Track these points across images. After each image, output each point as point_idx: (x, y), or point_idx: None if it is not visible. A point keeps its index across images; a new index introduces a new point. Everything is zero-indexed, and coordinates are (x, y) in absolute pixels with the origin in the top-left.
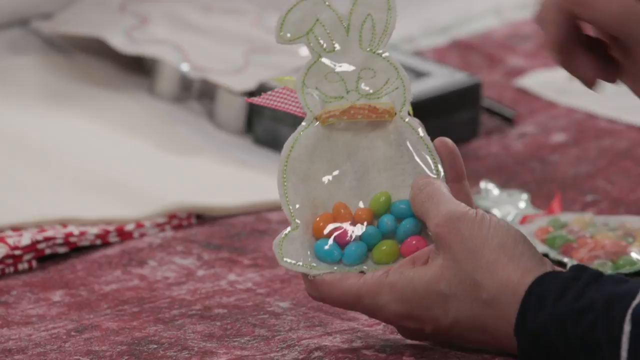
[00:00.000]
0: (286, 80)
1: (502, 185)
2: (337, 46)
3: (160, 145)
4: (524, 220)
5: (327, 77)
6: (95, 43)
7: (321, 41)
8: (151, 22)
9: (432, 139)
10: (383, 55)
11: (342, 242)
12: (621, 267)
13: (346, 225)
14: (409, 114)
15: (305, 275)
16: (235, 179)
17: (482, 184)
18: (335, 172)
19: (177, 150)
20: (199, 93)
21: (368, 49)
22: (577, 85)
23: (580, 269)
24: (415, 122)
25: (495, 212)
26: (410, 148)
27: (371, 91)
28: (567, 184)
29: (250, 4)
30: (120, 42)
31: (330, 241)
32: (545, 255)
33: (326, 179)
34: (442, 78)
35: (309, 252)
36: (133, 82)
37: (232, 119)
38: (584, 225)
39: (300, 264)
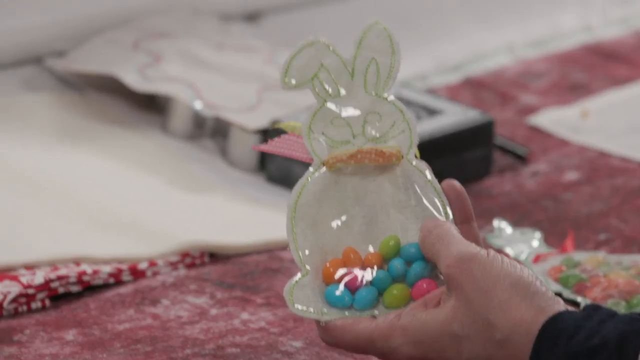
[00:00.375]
0: (292, 126)
1: (515, 223)
2: (343, 91)
3: (174, 183)
4: (537, 259)
5: (333, 122)
6: (108, 81)
7: (326, 86)
8: (164, 59)
9: (446, 177)
10: (388, 98)
11: (352, 287)
12: (635, 306)
13: (356, 270)
14: (415, 156)
15: (317, 321)
16: (248, 217)
17: (495, 223)
18: (344, 217)
19: (190, 188)
20: (212, 131)
21: (373, 93)
22: (589, 123)
23: (593, 308)
24: (423, 164)
25: (509, 250)
26: (418, 191)
27: (378, 135)
28: (580, 222)
29: (262, 41)
30: (134, 80)
31: (341, 286)
32: (559, 294)
33: (335, 224)
34: (454, 116)
35: (320, 298)
36: (146, 120)
37: (245, 157)
38: (597, 264)
39: (312, 310)
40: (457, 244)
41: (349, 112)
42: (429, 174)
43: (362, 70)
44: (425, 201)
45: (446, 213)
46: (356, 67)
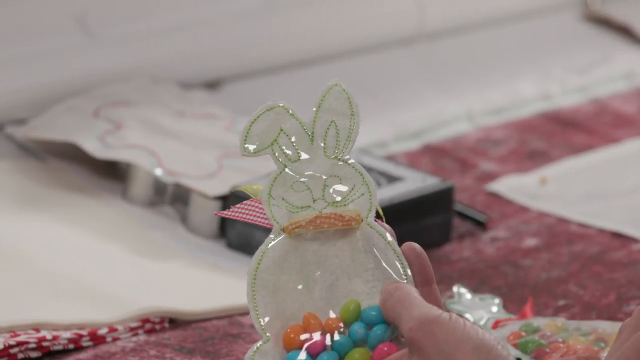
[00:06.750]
0: (255, 190)
1: (475, 289)
2: (302, 155)
3: (134, 249)
4: (497, 324)
5: (293, 186)
6: (69, 148)
7: (286, 151)
8: (125, 127)
9: (404, 243)
10: (348, 161)
11: (314, 352)
12: None
13: (317, 336)
14: (380, 218)
15: None
16: (208, 283)
17: (455, 288)
18: (305, 283)
19: (150, 255)
20: (172, 197)
21: (333, 156)
22: (548, 190)
23: None
24: (382, 227)
25: (468, 316)
26: (378, 254)
27: (338, 199)
28: (539, 288)
29: (223, 109)
30: (94, 147)
31: (302, 352)
32: None
33: (296, 290)
34: (414, 183)
35: None
36: (106, 187)
37: (205, 224)
38: (557, 330)
39: None
40: (419, 306)
41: (309, 176)
42: (389, 236)
43: (321, 133)
44: (385, 264)
45: (407, 275)
46: (316, 131)
